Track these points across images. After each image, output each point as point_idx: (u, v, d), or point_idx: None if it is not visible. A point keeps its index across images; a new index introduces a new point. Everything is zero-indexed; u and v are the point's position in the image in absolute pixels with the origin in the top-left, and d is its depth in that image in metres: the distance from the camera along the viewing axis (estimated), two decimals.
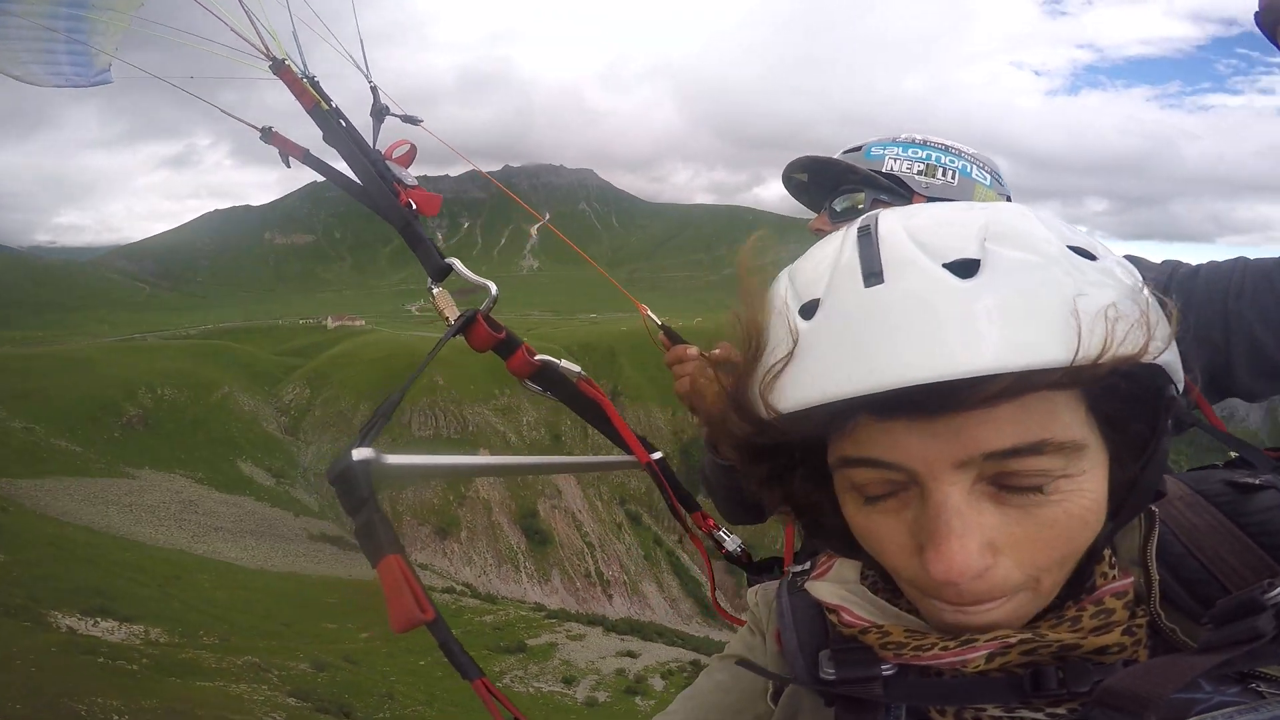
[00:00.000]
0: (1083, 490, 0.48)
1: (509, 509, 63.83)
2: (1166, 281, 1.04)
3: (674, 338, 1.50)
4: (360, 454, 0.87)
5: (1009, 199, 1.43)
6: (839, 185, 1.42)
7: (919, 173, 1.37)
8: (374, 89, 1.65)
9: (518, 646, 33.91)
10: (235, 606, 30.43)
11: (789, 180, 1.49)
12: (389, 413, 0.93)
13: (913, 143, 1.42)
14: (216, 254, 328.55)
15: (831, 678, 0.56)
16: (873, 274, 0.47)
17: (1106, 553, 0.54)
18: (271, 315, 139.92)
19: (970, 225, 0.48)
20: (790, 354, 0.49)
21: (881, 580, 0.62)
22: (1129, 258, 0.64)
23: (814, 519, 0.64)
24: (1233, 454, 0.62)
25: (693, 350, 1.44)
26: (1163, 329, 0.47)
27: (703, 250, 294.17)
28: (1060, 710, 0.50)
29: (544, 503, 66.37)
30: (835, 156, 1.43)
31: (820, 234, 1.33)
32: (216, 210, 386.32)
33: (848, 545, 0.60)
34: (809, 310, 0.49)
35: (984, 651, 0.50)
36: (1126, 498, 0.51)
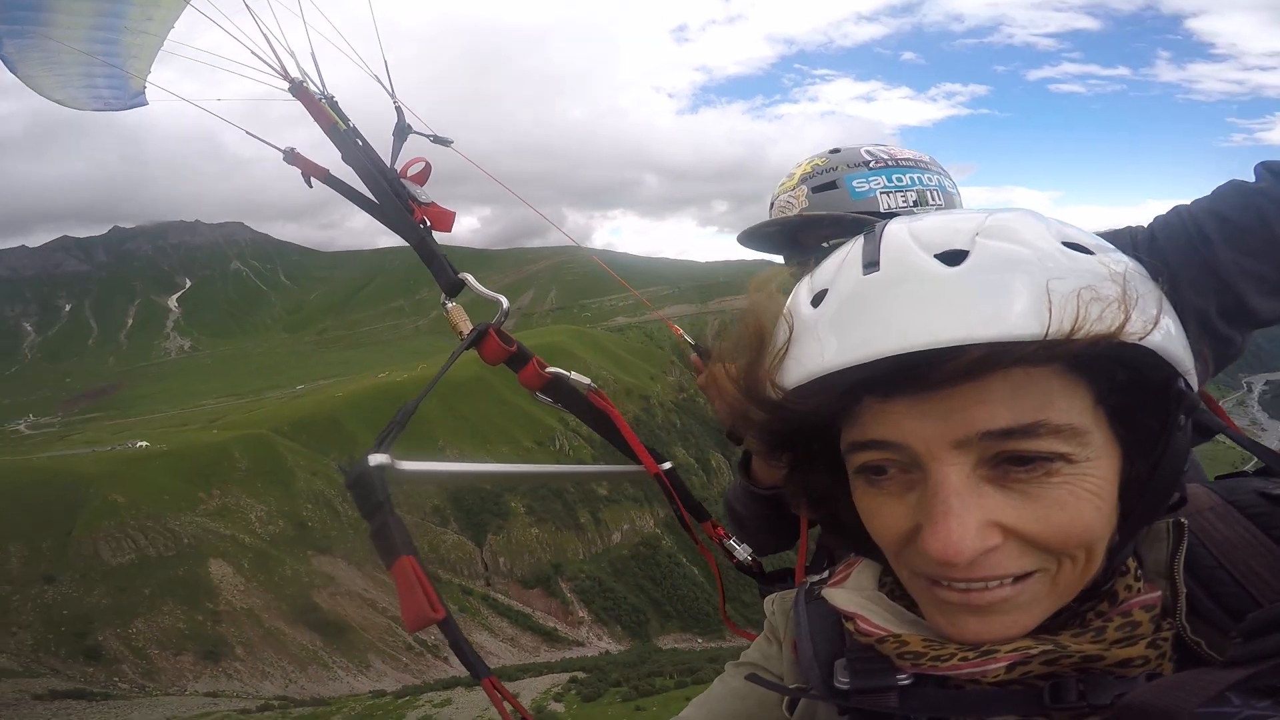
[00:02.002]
0: (1087, 475, 0.52)
1: (280, 611, 56.72)
2: (1134, 252, 1.08)
3: (709, 359, 1.49)
4: (376, 460, 0.94)
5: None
6: (810, 230, 1.43)
7: (914, 204, 1.41)
8: (398, 108, 1.73)
9: None
10: None
11: (753, 237, 1.52)
12: (404, 422, 1.01)
13: (887, 165, 1.42)
14: None
15: (846, 687, 0.60)
16: (871, 263, 0.55)
17: (1131, 564, 0.57)
18: None
19: (968, 224, 0.55)
20: (792, 336, 0.58)
21: (899, 586, 0.65)
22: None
23: (831, 512, 0.70)
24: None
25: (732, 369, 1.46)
26: (1146, 310, 0.51)
27: (402, 296, 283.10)
28: None
29: (320, 594, 60.25)
30: (807, 207, 1.41)
31: None
32: None
33: (862, 542, 0.65)
34: (817, 299, 0.58)
35: (1004, 663, 0.53)
36: (1139, 498, 0.55)
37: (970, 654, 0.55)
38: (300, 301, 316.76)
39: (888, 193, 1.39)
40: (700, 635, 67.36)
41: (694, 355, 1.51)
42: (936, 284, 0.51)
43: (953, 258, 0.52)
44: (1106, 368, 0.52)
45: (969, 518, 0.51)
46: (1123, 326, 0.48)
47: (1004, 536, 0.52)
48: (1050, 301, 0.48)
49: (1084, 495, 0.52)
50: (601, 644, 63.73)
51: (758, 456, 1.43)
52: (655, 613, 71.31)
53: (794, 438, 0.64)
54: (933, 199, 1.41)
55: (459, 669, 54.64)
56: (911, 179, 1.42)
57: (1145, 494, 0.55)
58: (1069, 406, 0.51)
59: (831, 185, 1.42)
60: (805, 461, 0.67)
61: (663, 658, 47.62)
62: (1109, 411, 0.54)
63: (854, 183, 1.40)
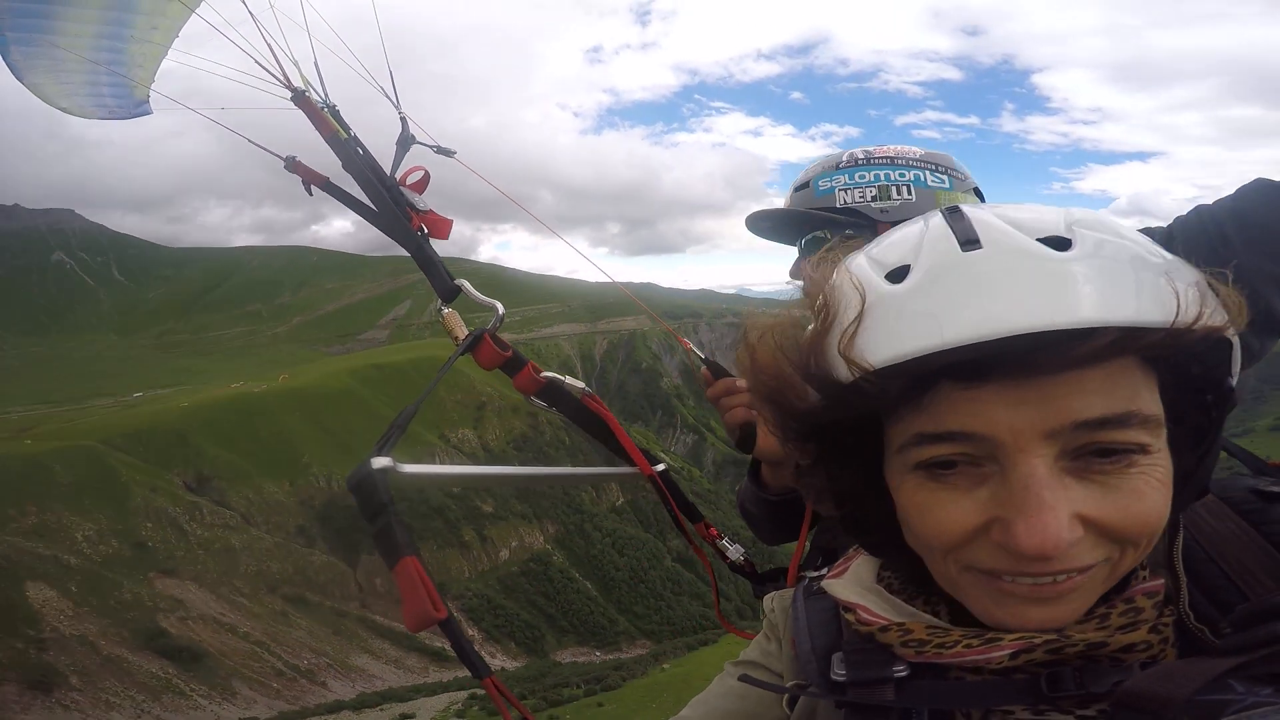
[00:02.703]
0: (1158, 465, 0.53)
1: (120, 637, 51.43)
2: None
3: (718, 372, 1.52)
4: (379, 463, 0.95)
5: (978, 190, 1.53)
6: (801, 226, 1.54)
7: (873, 199, 1.43)
8: (403, 119, 1.76)
9: None
10: None
11: (755, 226, 1.60)
12: (404, 425, 1.01)
13: (857, 164, 1.47)
14: None
15: (842, 679, 0.61)
16: (969, 241, 0.52)
17: None
18: None
19: (1052, 214, 0.55)
20: (871, 313, 0.54)
21: (898, 581, 0.66)
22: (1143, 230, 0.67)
23: (853, 510, 0.67)
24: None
25: (742, 382, 1.42)
26: (1236, 310, 0.54)
27: (260, 300, 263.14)
28: (1090, 712, 0.54)
29: (168, 618, 55.24)
30: (785, 204, 1.54)
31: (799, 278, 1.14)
32: None
33: (880, 540, 0.64)
34: (897, 275, 0.54)
35: (1008, 650, 0.54)
36: (1182, 489, 0.56)
37: (975, 641, 0.56)
38: (136, 300, 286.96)
39: (845, 189, 1.48)
40: (599, 648, 67.26)
41: (704, 369, 1.57)
42: (1056, 266, 0.50)
43: (1056, 243, 0.51)
44: (1181, 361, 0.53)
45: (1061, 511, 0.50)
46: (1230, 322, 0.51)
47: (1084, 528, 0.52)
48: (1176, 292, 0.49)
49: (1156, 485, 0.53)
50: (495, 661, 61.62)
51: (767, 464, 1.52)
52: (550, 628, 70.43)
53: (831, 429, 0.61)
54: (898, 193, 1.46)
55: (340, 693, 52.47)
56: (876, 175, 1.47)
57: (1188, 486, 0.57)
58: (1151, 398, 0.53)
59: (805, 185, 1.55)
60: (831, 455, 0.65)
61: (564, 670, 47.27)
62: (1164, 406, 0.55)
63: (819, 182, 1.52)
